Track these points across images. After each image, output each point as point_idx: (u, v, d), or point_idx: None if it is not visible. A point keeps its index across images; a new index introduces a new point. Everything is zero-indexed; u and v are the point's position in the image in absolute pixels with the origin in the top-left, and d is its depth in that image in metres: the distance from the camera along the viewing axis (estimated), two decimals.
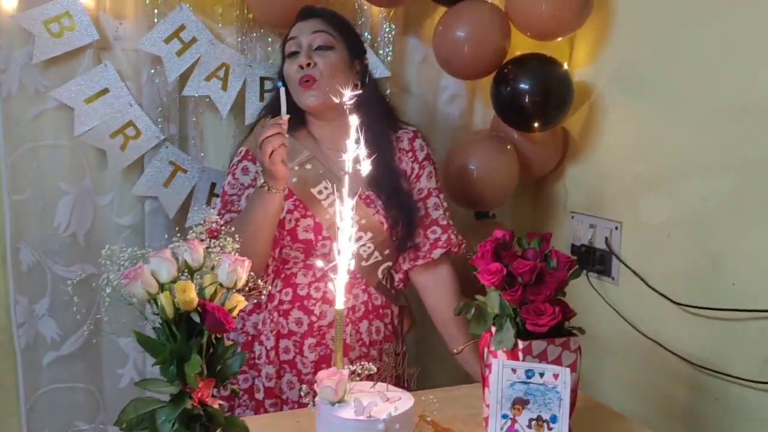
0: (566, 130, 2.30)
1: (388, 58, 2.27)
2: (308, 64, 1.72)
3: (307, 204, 1.75)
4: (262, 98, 2.12)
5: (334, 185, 1.72)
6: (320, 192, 1.75)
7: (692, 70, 1.87)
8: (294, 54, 1.76)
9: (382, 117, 1.81)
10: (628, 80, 2.09)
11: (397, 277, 1.85)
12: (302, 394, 1.34)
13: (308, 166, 1.77)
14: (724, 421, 1.79)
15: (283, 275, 1.76)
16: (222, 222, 1.29)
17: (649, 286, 1.97)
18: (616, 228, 2.11)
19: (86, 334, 2.03)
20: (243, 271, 1.19)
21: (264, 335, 1.77)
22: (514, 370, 1.34)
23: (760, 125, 1.69)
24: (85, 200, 2.03)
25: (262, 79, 2.13)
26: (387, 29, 2.27)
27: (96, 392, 2.11)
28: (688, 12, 1.88)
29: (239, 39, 2.12)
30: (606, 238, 2.13)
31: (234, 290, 1.19)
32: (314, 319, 1.74)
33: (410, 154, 1.84)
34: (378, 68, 2.23)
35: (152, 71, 2.04)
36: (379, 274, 1.81)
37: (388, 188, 1.76)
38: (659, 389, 1.98)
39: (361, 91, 1.55)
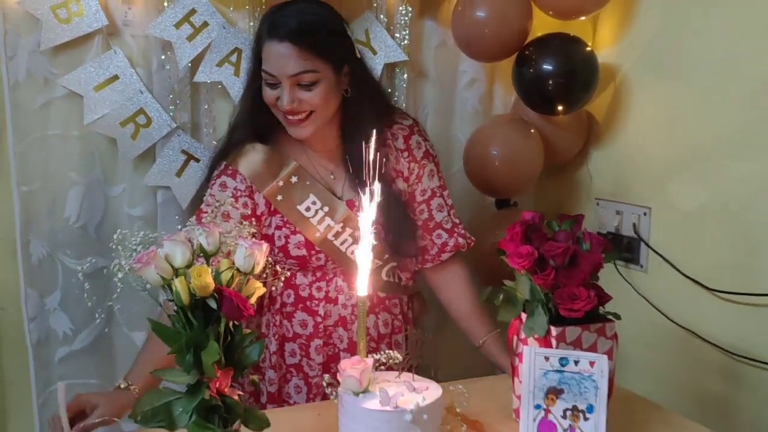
0: (590, 113, 2.22)
1: (405, 42, 2.20)
2: (293, 105, 1.54)
3: (295, 223, 1.64)
4: None
5: (322, 201, 1.64)
6: (308, 209, 1.64)
7: (722, 47, 1.80)
8: (272, 85, 1.56)
9: (373, 117, 1.62)
10: (655, 60, 2.02)
11: (404, 276, 1.77)
12: (324, 384, 1.27)
13: (294, 179, 1.65)
14: (761, 411, 1.73)
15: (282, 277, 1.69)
16: None
17: (682, 274, 1.90)
18: (645, 214, 2.03)
19: (98, 324, 1.98)
20: (261, 256, 1.13)
21: (267, 339, 1.70)
22: (546, 358, 1.27)
23: None
24: (95, 191, 1.97)
25: None
26: (403, 12, 2.20)
27: (109, 388, 2.05)
28: None
29: (251, 23, 2.05)
30: (634, 225, 2.06)
31: (251, 275, 1.13)
32: (319, 319, 1.66)
33: (406, 154, 1.71)
34: (394, 52, 2.17)
35: (163, 57, 1.97)
36: (384, 276, 1.72)
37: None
38: (693, 380, 1.91)
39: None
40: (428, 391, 1.24)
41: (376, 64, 2.15)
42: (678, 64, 1.94)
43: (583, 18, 2.08)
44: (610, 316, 1.36)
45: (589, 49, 2.03)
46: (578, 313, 1.28)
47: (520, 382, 1.31)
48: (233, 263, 1.11)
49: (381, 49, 2.17)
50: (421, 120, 2.27)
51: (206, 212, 1.54)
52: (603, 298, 1.35)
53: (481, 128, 2.21)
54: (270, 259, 1.19)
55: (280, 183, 1.65)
